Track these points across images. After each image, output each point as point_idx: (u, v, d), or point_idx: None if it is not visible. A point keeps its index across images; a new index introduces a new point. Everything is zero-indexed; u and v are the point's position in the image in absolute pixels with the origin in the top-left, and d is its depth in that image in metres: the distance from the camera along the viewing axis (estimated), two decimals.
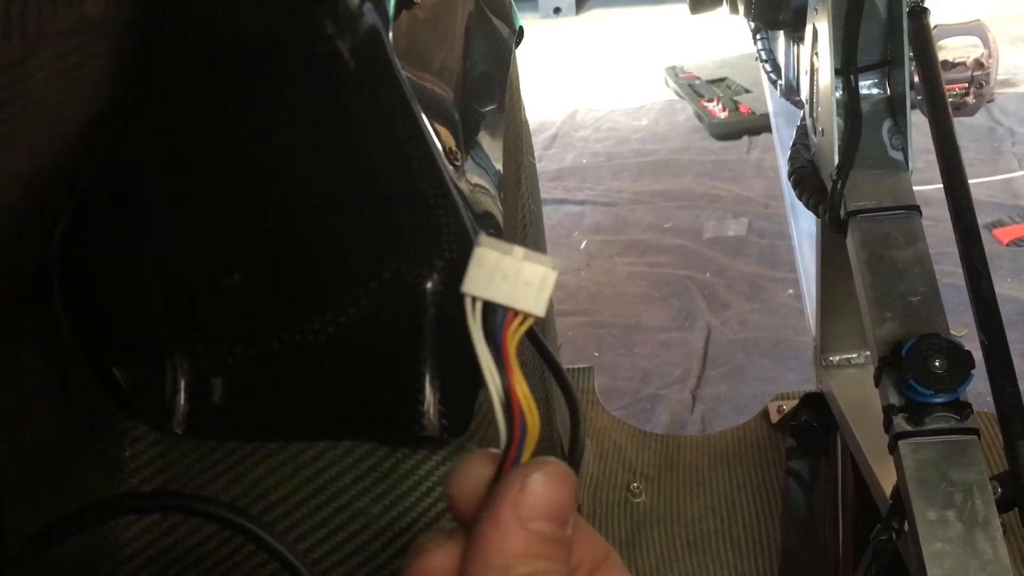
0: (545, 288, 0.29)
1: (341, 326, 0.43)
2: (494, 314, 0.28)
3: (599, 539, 0.30)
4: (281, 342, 0.43)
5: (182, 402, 0.44)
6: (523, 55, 0.81)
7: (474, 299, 0.28)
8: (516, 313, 0.29)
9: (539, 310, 0.29)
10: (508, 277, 0.29)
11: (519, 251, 0.29)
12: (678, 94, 2.82)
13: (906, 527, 0.59)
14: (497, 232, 0.48)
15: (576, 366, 1.30)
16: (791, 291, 1.79)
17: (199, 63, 0.44)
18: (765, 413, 1.21)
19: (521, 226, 0.65)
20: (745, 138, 2.50)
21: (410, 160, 0.44)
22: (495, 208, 0.50)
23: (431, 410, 0.42)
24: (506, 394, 0.28)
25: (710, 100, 2.65)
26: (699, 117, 2.64)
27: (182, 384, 0.44)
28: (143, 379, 0.45)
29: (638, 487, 1.12)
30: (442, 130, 0.47)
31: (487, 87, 0.61)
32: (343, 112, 0.44)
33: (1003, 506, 0.58)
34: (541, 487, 0.27)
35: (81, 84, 0.40)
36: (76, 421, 0.46)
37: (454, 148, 0.47)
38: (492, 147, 0.56)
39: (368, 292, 0.43)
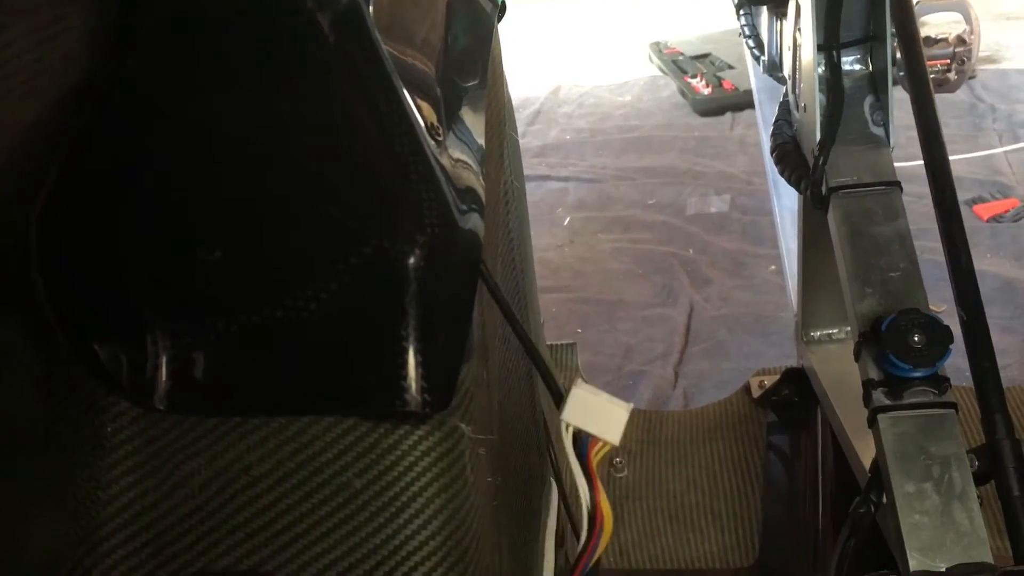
0: (620, 423, 0.39)
1: (323, 302, 0.43)
2: (580, 437, 0.39)
3: None
4: (263, 317, 0.43)
5: (164, 377, 0.44)
6: (506, 30, 0.81)
7: (568, 425, 0.39)
8: (598, 440, 0.39)
9: (615, 440, 0.39)
10: (595, 413, 0.39)
11: (604, 395, 0.40)
12: (662, 70, 2.82)
13: (884, 500, 0.60)
14: (479, 208, 0.48)
15: (559, 342, 1.30)
16: (773, 267, 1.80)
17: (178, 36, 0.44)
18: (747, 388, 1.22)
19: (504, 202, 0.65)
20: (728, 114, 2.50)
21: (391, 135, 0.44)
22: (477, 184, 0.50)
23: (413, 385, 0.42)
24: (592, 501, 0.39)
25: (694, 76, 2.65)
26: (683, 93, 2.64)
27: (164, 359, 0.44)
28: (124, 354, 0.45)
29: (620, 462, 1.13)
30: (424, 105, 0.47)
31: (469, 62, 0.60)
32: (323, 86, 0.44)
33: (980, 479, 0.59)
34: None
35: (56, 56, 0.40)
36: (58, 397, 0.45)
37: (436, 123, 0.47)
38: (474, 122, 0.56)
39: (350, 268, 0.43)
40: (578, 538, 0.41)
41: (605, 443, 0.39)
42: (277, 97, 0.44)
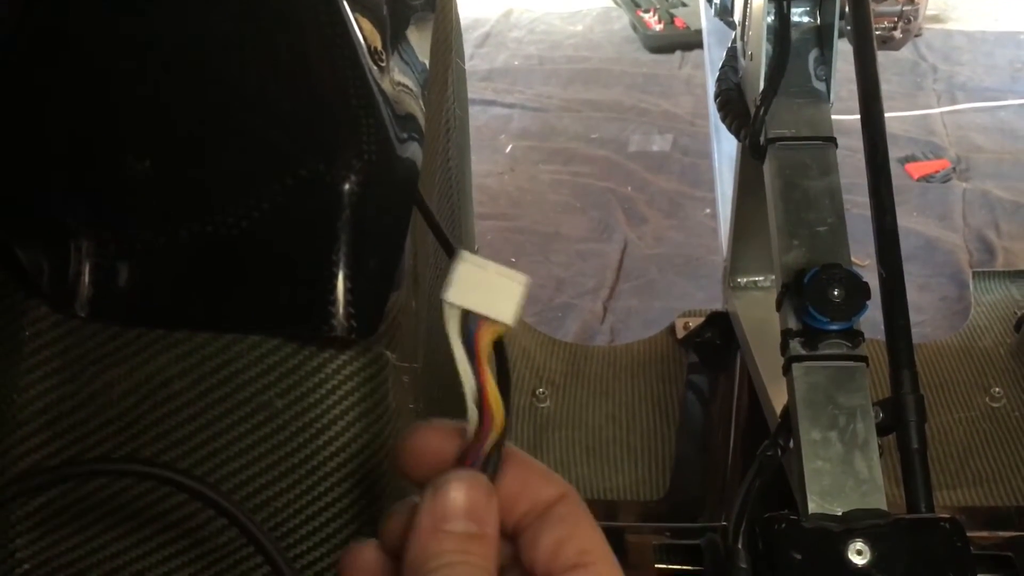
0: (514, 299, 0.31)
1: (254, 221, 0.42)
2: (468, 320, 0.31)
3: (552, 480, 0.32)
4: (191, 232, 0.43)
5: (86, 285, 0.44)
6: None
7: (451, 306, 0.31)
8: (488, 320, 0.31)
9: (509, 318, 0.31)
10: (482, 289, 0.31)
11: (493, 266, 0.31)
12: (615, 1, 2.79)
13: (791, 444, 0.62)
14: (419, 136, 0.48)
15: None
16: (708, 211, 1.82)
17: None
18: (672, 328, 1.24)
19: (444, 130, 0.64)
20: (678, 53, 2.49)
21: (333, 57, 0.43)
22: (418, 111, 0.49)
23: (341, 311, 0.42)
24: (479, 391, 0.31)
25: (646, 11, 2.63)
26: (634, 28, 2.62)
27: (87, 267, 0.43)
28: (46, 259, 0.44)
29: (543, 392, 1.15)
30: (368, 26, 0.46)
31: None
32: (265, 2, 0.43)
33: (882, 430, 0.61)
34: (455, 494, 0.30)
35: None
36: None
37: (379, 48, 0.46)
38: (420, 46, 0.55)
39: (284, 189, 0.42)
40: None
41: (497, 324, 0.31)
42: (216, 9, 0.43)
